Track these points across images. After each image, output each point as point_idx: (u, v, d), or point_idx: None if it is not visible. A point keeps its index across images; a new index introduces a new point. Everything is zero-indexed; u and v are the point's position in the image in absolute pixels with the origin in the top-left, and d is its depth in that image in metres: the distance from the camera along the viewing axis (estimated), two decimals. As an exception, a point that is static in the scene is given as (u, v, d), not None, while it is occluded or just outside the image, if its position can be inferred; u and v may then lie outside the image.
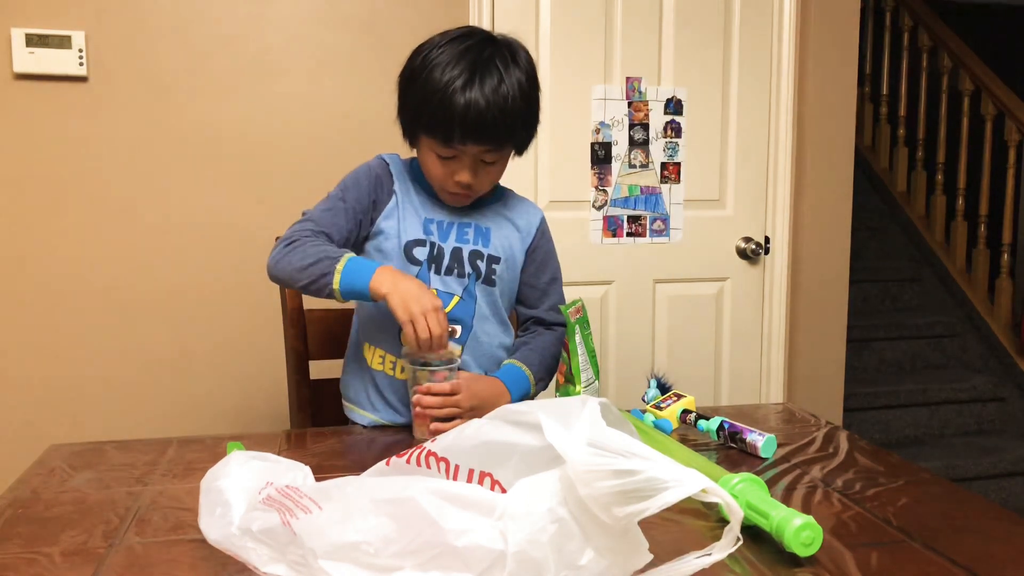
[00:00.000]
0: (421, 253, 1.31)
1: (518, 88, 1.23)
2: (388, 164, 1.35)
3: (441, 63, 1.21)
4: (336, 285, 1.19)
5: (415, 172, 1.36)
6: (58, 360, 2.05)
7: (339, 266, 1.19)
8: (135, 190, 2.07)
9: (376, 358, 1.36)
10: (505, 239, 1.38)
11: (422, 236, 1.31)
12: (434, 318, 1.15)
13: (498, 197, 1.41)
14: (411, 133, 1.30)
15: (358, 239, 1.34)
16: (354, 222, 1.30)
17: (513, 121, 1.24)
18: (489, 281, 1.35)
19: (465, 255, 1.33)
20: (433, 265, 1.32)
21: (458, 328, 1.33)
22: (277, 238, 1.32)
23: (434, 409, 1.19)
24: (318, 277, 1.19)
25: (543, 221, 1.44)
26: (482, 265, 1.34)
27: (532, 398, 1.36)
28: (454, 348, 1.28)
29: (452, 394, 1.20)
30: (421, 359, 1.19)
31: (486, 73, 1.20)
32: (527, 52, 1.29)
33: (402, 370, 1.34)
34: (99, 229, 2.05)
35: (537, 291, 1.43)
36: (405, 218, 1.32)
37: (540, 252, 1.43)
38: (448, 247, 1.33)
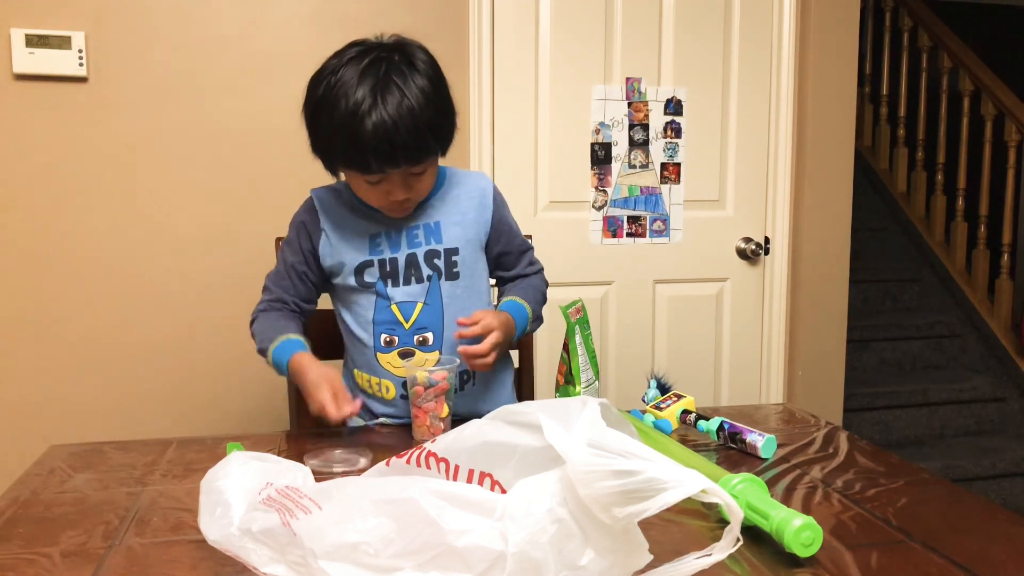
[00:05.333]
0: (372, 274, 1.31)
1: (422, 97, 1.19)
2: (314, 201, 1.35)
3: (341, 92, 1.18)
4: (273, 368, 1.32)
5: (351, 194, 1.34)
6: (58, 360, 2.05)
7: (268, 360, 1.32)
8: (135, 190, 2.06)
9: (364, 381, 1.38)
10: (457, 226, 1.35)
11: (368, 257, 1.31)
12: (319, 406, 1.19)
13: (439, 184, 1.37)
14: (330, 166, 1.28)
15: (317, 286, 1.38)
16: (299, 279, 1.36)
17: (424, 135, 1.20)
18: (452, 276, 1.34)
19: (421, 258, 1.32)
20: (389, 280, 1.31)
21: (429, 336, 1.32)
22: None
23: (476, 346, 1.24)
24: (270, 363, 1.33)
25: (495, 188, 1.42)
26: (440, 263, 1.33)
27: (528, 334, 1.44)
28: (427, 357, 1.31)
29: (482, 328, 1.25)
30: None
31: (387, 92, 1.17)
32: (424, 50, 1.26)
33: (387, 390, 1.35)
34: (99, 229, 2.05)
35: (513, 255, 1.45)
36: (344, 249, 1.32)
37: (505, 221, 1.42)
38: (401, 256, 1.32)
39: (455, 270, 1.34)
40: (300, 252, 1.34)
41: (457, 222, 1.35)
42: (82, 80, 2.01)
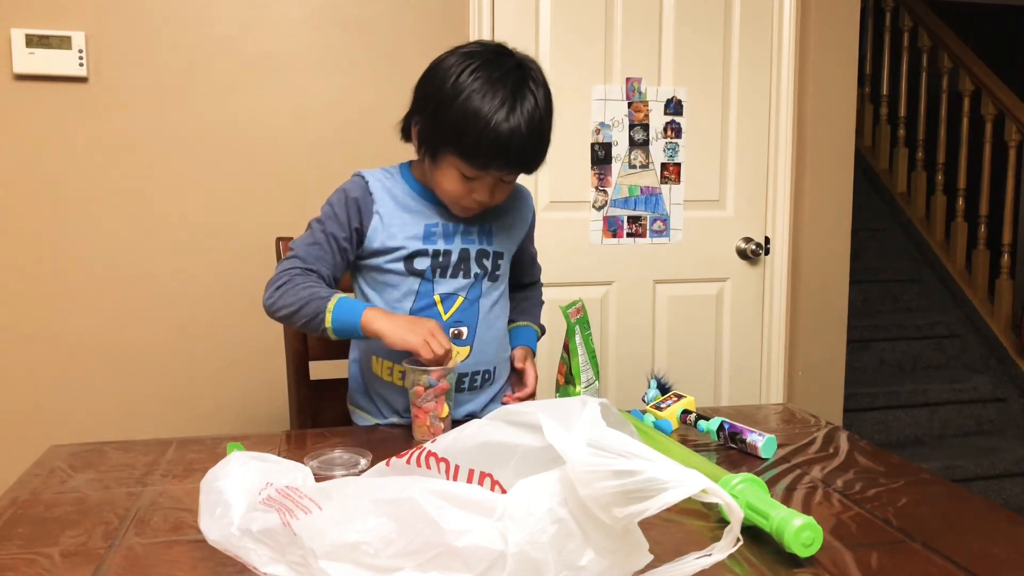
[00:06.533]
0: (423, 263, 1.31)
1: (546, 111, 1.25)
2: (367, 183, 1.33)
3: (479, 90, 1.20)
4: (328, 325, 1.25)
5: (406, 181, 1.35)
6: (58, 360, 2.05)
7: (330, 306, 1.24)
8: (135, 191, 2.07)
9: (385, 370, 1.37)
10: (506, 232, 1.40)
11: (422, 246, 1.31)
12: (441, 335, 1.20)
13: None
14: (434, 152, 1.27)
15: (350, 264, 1.36)
16: (339, 254, 1.33)
17: (544, 146, 1.27)
18: (494, 278, 1.38)
19: (472, 255, 1.35)
20: (438, 270, 1.32)
21: (464, 330, 1.34)
22: (271, 278, 1.32)
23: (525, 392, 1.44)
24: (311, 318, 1.25)
25: (532, 202, 1.50)
26: (488, 263, 1.36)
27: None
28: (460, 351, 1.32)
29: (532, 390, 1.43)
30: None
31: (524, 100, 1.21)
32: (542, 70, 1.29)
33: (402, 376, 1.35)
34: (99, 229, 2.05)
35: (527, 261, 1.53)
36: (398, 234, 1.31)
37: (532, 232, 1.51)
38: (455, 249, 1.33)
39: (498, 272, 1.38)
40: (347, 227, 1.32)
41: (506, 228, 1.40)
42: (82, 80, 2.01)
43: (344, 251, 1.33)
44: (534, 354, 1.50)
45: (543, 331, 1.55)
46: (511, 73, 1.22)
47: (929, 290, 3.86)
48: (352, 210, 1.31)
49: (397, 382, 1.36)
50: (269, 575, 0.74)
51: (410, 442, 1.21)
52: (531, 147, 1.23)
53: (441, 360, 1.20)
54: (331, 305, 1.24)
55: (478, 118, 1.19)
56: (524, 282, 1.55)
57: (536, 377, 1.45)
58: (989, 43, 4.38)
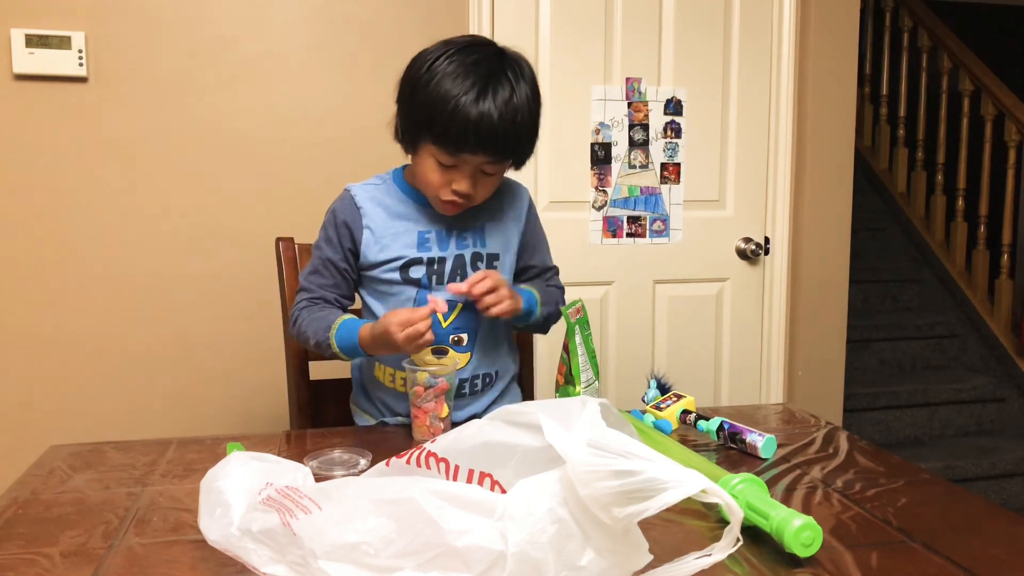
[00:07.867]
0: (418, 271, 1.31)
1: (526, 102, 1.23)
2: (354, 198, 1.33)
3: (451, 73, 1.20)
4: (340, 355, 1.29)
5: (398, 187, 1.35)
6: (58, 360, 2.05)
7: (333, 343, 1.27)
8: (134, 191, 2.07)
9: (387, 376, 1.38)
10: (500, 232, 1.38)
11: (417, 254, 1.31)
12: (405, 324, 1.17)
13: None
14: (412, 140, 1.28)
15: (356, 278, 1.37)
16: (340, 275, 1.34)
17: (521, 135, 1.24)
18: None
19: (468, 260, 1.34)
20: (434, 278, 1.32)
21: (464, 336, 1.33)
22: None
23: (488, 294, 1.24)
24: (326, 351, 1.30)
25: (531, 199, 1.45)
26: (483, 266, 1.35)
27: (536, 325, 1.40)
28: (460, 357, 1.32)
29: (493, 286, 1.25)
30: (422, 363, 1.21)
31: (498, 86, 1.20)
32: (531, 66, 1.28)
33: (403, 382, 1.35)
34: (99, 229, 2.05)
35: (536, 270, 1.47)
36: (391, 244, 1.31)
37: (535, 234, 1.45)
38: (450, 255, 1.33)
39: None
40: (340, 249, 1.33)
41: (500, 228, 1.38)
42: (82, 80, 2.01)
43: (344, 271, 1.34)
44: (526, 307, 1.32)
45: (543, 301, 1.38)
46: (488, 60, 1.22)
47: (929, 290, 3.86)
48: (342, 231, 1.32)
49: (399, 388, 1.36)
50: (269, 575, 0.74)
51: (410, 442, 1.21)
52: (504, 133, 1.21)
53: (425, 339, 1.18)
54: (333, 343, 1.27)
55: (447, 100, 1.18)
56: (534, 275, 1.47)
57: (485, 281, 1.24)
58: (989, 43, 4.38)
